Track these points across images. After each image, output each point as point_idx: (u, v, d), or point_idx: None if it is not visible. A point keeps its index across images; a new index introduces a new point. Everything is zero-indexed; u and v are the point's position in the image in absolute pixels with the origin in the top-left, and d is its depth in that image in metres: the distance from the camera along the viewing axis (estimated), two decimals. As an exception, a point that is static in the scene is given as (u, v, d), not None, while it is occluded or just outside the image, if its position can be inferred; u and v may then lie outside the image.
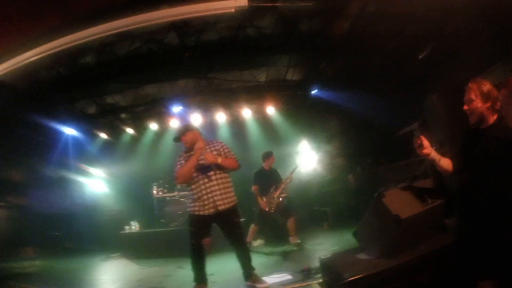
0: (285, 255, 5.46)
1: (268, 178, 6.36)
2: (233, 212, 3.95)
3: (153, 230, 7.38)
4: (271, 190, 6.18)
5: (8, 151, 7.60)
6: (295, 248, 5.71)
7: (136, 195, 8.56)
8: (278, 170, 6.65)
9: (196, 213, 3.83)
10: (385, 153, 7.15)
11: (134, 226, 7.41)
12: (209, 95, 7.69)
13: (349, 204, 7.03)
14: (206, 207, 3.78)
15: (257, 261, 5.33)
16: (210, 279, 4.00)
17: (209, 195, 3.79)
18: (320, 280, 3.39)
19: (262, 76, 7.53)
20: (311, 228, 7.21)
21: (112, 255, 7.10)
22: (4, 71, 5.36)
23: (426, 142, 2.33)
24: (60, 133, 8.32)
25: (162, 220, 7.55)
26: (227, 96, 7.78)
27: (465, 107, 2.26)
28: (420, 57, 5.99)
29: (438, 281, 2.58)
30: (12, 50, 5.06)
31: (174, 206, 7.49)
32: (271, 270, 4.45)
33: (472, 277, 2.22)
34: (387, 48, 5.95)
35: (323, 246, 5.53)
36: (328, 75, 7.38)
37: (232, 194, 3.99)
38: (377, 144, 7.54)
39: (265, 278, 4.04)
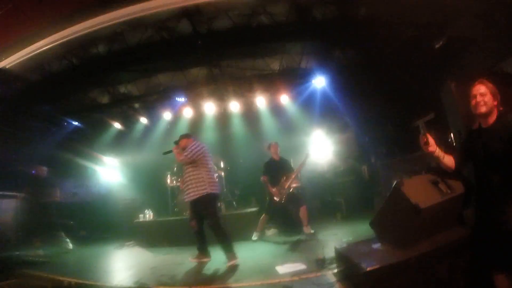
0: (299, 245, 5.41)
1: (278, 168, 6.28)
2: (200, 203, 4.63)
3: (166, 218, 7.45)
4: (281, 180, 6.10)
5: (21, 141, 7.75)
6: (308, 238, 5.65)
7: (150, 183, 8.63)
8: (288, 160, 6.57)
9: None
10: (400, 144, 7.00)
11: (148, 215, 7.48)
12: (222, 84, 7.63)
13: (363, 195, 6.94)
14: (184, 196, 4.86)
15: (270, 250, 5.42)
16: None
17: (184, 187, 4.81)
18: (335, 270, 3.34)
19: (275, 64, 7.43)
20: (324, 219, 7.15)
21: (126, 243, 7.19)
22: (16, 61, 5.42)
23: (431, 140, 2.47)
24: (74, 123, 8.42)
25: (176, 209, 7.61)
26: (240, 85, 7.70)
27: (479, 98, 2.31)
28: (437, 46, 5.79)
29: (455, 272, 2.55)
30: (23, 40, 5.09)
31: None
32: (285, 260, 4.42)
33: (487, 269, 2.28)
34: (403, 36, 5.78)
35: (337, 237, 5.47)
36: (343, 63, 7.23)
37: (197, 187, 4.60)
38: (392, 135, 7.39)
39: (278, 268, 4.03)
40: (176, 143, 4.97)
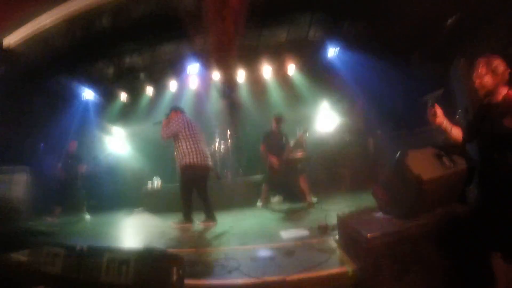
0: (302, 212, 5.55)
1: (277, 139, 6.32)
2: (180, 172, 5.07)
3: (173, 185, 7.61)
4: (280, 151, 6.18)
5: (31, 118, 7.88)
6: (312, 207, 5.78)
7: (157, 152, 8.76)
8: (287, 134, 6.57)
9: None
10: (407, 118, 6.98)
11: (156, 182, 7.67)
12: (229, 53, 7.54)
13: (368, 167, 7.00)
14: None
15: (275, 216, 5.58)
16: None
17: None
18: (337, 237, 3.47)
19: (282, 35, 7.30)
20: (328, 189, 7.25)
21: (135, 209, 7.44)
22: (20, 39, 5.40)
23: (439, 112, 2.47)
24: (81, 96, 8.49)
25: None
26: (246, 55, 7.61)
27: (476, 83, 2.35)
28: (448, 23, 5.62)
29: (453, 246, 2.60)
30: (26, 17, 5.04)
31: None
32: (288, 226, 4.58)
33: (486, 249, 2.33)
34: (414, 12, 5.61)
35: (340, 206, 5.50)
36: (351, 35, 7.09)
37: (179, 159, 4.97)
38: (399, 109, 7.34)
39: (282, 233, 4.17)
40: (167, 116, 5.21)
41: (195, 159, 4.87)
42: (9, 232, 5.06)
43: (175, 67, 8.06)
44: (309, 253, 3.25)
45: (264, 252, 3.56)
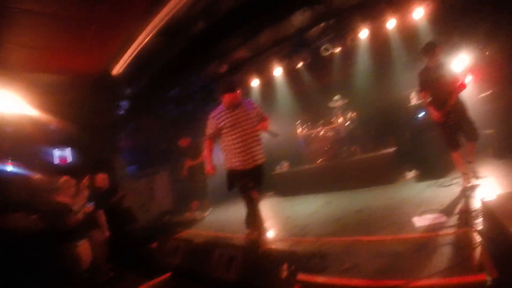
0: (441, 191, 4.53)
1: (439, 80, 4.32)
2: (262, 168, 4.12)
3: (300, 167, 7.70)
4: (445, 97, 4.28)
5: (163, 125, 9.04)
6: (453, 182, 4.66)
7: (282, 135, 8.85)
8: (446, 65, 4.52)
9: (237, 168, 3.93)
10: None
11: (285, 166, 7.87)
12: (330, 20, 6.86)
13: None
14: (246, 162, 3.91)
15: (407, 196, 4.75)
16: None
17: (249, 150, 3.91)
18: (480, 228, 2.80)
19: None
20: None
21: (266, 194, 7.77)
22: (126, 63, 6.09)
23: None
24: (202, 98, 9.21)
25: (309, 157, 7.74)
26: (350, 16, 6.74)
27: None
28: None
29: None
30: (124, 42, 5.58)
31: (319, 142, 7.59)
32: (423, 209, 3.93)
33: None
34: None
35: (488, 181, 4.27)
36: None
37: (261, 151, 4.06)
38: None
39: (415, 219, 3.66)
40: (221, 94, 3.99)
41: None
42: (149, 226, 6.03)
43: (283, 49, 7.84)
44: (444, 250, 2.75)
45: (390, 245, 3.18)
